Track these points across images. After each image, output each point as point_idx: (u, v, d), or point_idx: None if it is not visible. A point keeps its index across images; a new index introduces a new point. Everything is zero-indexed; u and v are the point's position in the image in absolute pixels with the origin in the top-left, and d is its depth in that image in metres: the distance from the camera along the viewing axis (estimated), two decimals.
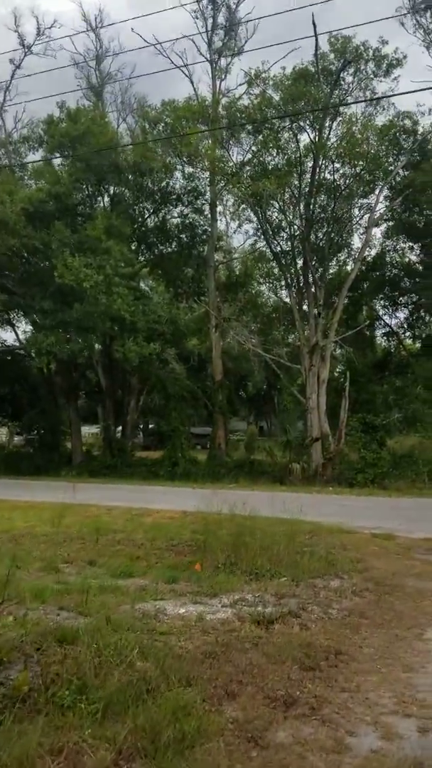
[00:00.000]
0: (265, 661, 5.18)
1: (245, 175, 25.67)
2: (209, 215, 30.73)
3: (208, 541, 10.23)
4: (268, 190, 23.68)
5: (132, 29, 51.04)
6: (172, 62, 29.83)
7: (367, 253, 33.39)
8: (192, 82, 29.55)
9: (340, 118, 25.21)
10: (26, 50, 30.55)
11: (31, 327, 27.71)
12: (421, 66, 54.43)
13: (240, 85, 26.17)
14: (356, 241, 32.28)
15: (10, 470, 30.75)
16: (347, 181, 26.65)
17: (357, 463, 25.00)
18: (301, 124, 25.38)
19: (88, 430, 44.58)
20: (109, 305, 22.02)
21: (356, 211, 30.04)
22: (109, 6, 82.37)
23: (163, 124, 26.66)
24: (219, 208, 31.33)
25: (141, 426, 53.90)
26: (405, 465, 25.31)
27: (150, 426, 55.48)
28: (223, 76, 31.05)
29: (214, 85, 30.68)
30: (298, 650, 5.38)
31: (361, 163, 26.40)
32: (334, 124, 26.15)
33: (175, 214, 30.76)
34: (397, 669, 5.30)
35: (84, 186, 25.96)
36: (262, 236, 29.22)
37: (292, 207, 27.17)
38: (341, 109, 25.73)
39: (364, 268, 33.72)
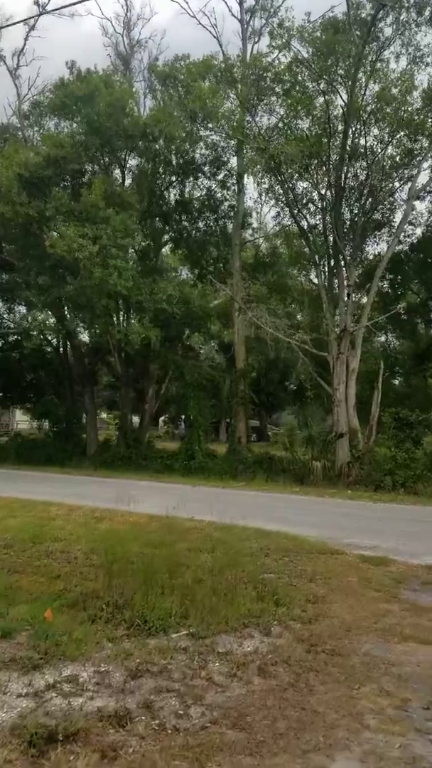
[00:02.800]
0: None
1: (265, 138, 22.96)
2: (236, 189, 28.25)
3: (117, 567, 7.88)
4: (288, 152, 20.95)
5: None
6: (200, 22, 27.26)
7: (411, 231, 30.35)
8: (221, 45, 26.97)
9: (376, 77, 22.12)
10: (41, 9, 28.61)
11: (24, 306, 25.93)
12: None
13: (268, 46, 23.45)
14: (399, 219, 29.15)
15: (21, 459, 29.34)
16: (383, 147, 23.62)
17: (386, 463, 22.18)
18: (331, 83, 22.40)
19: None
20: (104, 279, 19.90)
21: (397, 184, 26.93)
22: None
23: (175, 81, 24.20)
24: (246, 181, 28.80)
25: (182, 416, 52.13)
26: None
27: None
28: (256, 39, 28.46)
29: (244, 48, 28.12)
30: None
31: (400, 130, 23.46)
32: (370, 83, 23.12)
33: (200, 188, 28.42)
34: None
35: (93, 152, 23.77)
36: (287, 208, 26.43)
37: (320, 176, 24.32)
38: (378, 66, 22.71)
39: (407, 248, 30.63)
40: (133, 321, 23.79)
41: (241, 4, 27.83)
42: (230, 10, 28.14)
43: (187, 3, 35.78)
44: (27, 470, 26.21)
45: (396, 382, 34.40)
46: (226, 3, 28.23)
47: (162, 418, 65.69)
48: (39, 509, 14.26)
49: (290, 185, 25.06)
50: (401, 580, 8.82)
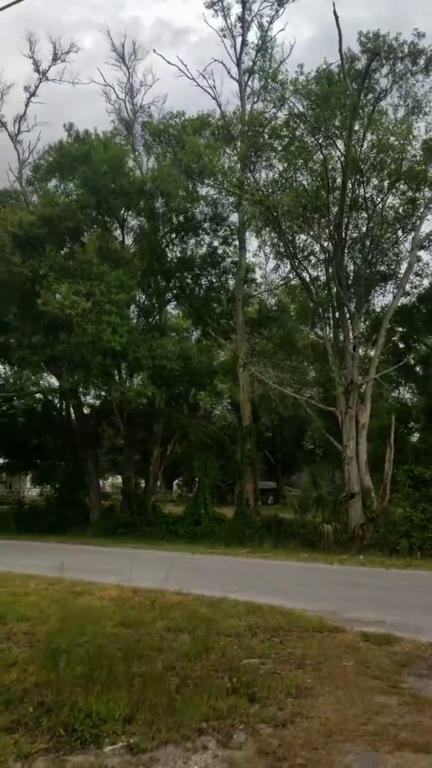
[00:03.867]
0: None
1: (264, 192, 22.66)
2: (237, 244, 27.95)
3: (68, 655, 6.76)
4: (285, 203, 20.54)
5: (154, 50, 49.91)
6: (198, 84, 27.65)
7: (418, 282, 29.68)
8: (219, 105, 27.12)
9: (372, 127, 21.90)
10: (41, 76, 29.23)
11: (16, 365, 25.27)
12: None
13: (263, 100, 23.49)
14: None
15: (22, 528, 28.18)
16: (383, 197, 23.22)
17: (402, 524, 20.70)
18: (328, 135, 22.20)
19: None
20: (97, 335, 19.27)
21: (400, 233, 26.44)
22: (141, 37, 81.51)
23: (168, 137, 24.21)
24: (248, 236, 28.52)
25: (196, 479, 50.78)
26: None
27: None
28: (255, 99, 28.70)
29: (243, 108, 28.32)
30: None
31: (400, 181, 23.15)
32: (368, 134, 22.89)
33: (201, 245, 28.19)
34: None
35: (90, 211, 23.61)
36: (287, 261, 25.96)
37: (320, 228, 23.88)
38: (375, 117, 22.53)
39: (415, 300, 29.90)
40: (132, 379, 22.98)
41: (239, 65, 28.21)
42: (228, 72, 28.24)
43: (185, 66, 36.55)
44: (25, 540, 25.03)
45: (414, 438, 33.11)
46: (224, 65, 28.19)
47: (176, 482, 64.37)
48: (16, 583, 13.10)
49: (289, 237, 24.62)
50: (406, 662, 7.53)
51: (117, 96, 32.38)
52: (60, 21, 73.10)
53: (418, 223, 25.14)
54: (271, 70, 22.91)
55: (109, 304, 19.86)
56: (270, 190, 23.70)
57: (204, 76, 28.41)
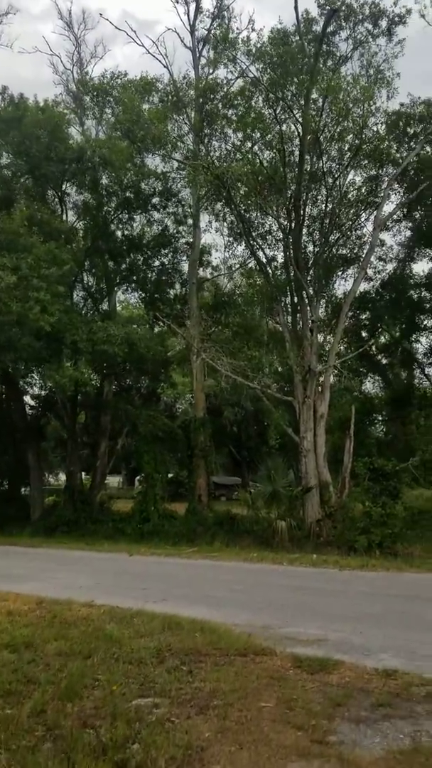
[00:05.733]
0: None
1: (214, 162, 20.92)
2: (191, 223, 26.16)
3: None
4: (235, 172, 18.82)
5: (101, 14, 47.37)
6: (148, 51, 25.65)
7: (381, 267, 28.27)
8: (171, 74, 25.23)
9: (330, 91, 20.18)
10: None
11: None
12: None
13: (212, 61, 21.72)
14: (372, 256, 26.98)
15: None
16: (342, 170, 21.68)
17: (360, 520, 19.18)
18: (284, 100, 20.50)
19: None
20: (23, 313, 17.31)
21: (363, 215, 24.98)
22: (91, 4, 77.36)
23: (106, 98, 22.26)
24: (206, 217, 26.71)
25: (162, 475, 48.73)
26: (424, 524, 19.41)
27: (169, 474, 50.38)
28: (211, 70, 26.87)
29: (197, 78, 26.45)
30: None
31: (360, 155, 21.66)
32: (326, 105, 21.24)
33: (151, 223, 26.31)
34: None
35: (21, 178, 21.51)
36: (242, 240, 24.28)
37: (277, 204, 22.21)
38: (334, 84, 20.90)
39: (378, 285, 28.49)
40: (77, 365, 21.04)
41: (192, 33, 26.37)
42: (182, 41, 26.37)
43: (134, 32, 34.49)
44: None
45: (377, 430, 31.82)
46: (178, 34, 26.33)
47: (138, 477, 61.99)
48: None
49: (245, 215, 22.93)
50: (342, 700, 5.88)
51: (65, 67, 30.27)
52: None
53: (380, 203, 23.71)
54: (221, 31, 21.04)
55: (37, 279, 17.90)
56: (223, 163, 21.98)
57: (155, 44, 26.53)
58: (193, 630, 8.22)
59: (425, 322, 28.64)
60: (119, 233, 26.29)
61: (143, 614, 9.17)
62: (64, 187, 23.93)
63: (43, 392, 28.86)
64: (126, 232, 26.30)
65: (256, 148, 22.64)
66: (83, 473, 30.50)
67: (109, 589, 11.74)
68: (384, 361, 30.39)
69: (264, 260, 24.28)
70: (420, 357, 29.24)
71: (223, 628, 8.35)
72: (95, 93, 22.78)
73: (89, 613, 9.36)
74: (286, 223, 22.74)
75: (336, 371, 26.16)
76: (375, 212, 23.62)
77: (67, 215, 25.10)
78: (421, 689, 6.14)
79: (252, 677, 6.49)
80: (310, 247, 24.45)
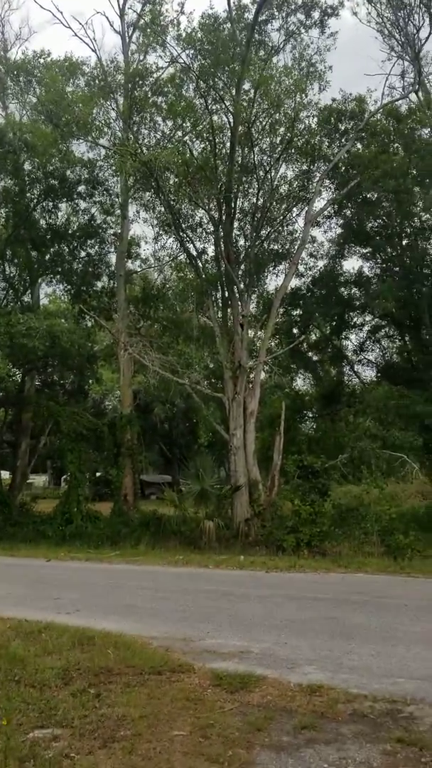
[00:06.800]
0: None
1: (142, 150, 20.17)
2: (119, 213, 25.26)
3: None
4: (162, 159, 18.13)
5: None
6: (76, 34, 24.55)
7: (313, 263, 28.20)
8: (99, 58, 24.27)
9: (261, 81, 19.73)
10: None
11: None
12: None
13: (140, 44, 20.99)
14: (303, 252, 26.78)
15: None
16: (273, 163, 21.35)
17: (289, 519, 18.87)
18: (214, 88, 19.93)
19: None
20: None
21: (295, 211, 24.79)
22: None
23: (28, 78, 21.13)
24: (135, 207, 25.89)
25: (87, 474, 47.36)
26: (352, 521, 19.26)
27: (97, 473, 49.08)
28: (142, 57, 25.98)
29: (127, 63, 25.55)
30: None
31: (291, 148, 21.40)
32: (258, 97, 20.77)
33: (77, 212, 25.24)
34: None
35: None
36: (168, 229, 23.64)
37: (207, 195, 21.65)
38: (265, 74, 20.49)
39: (309, 282, 28.41)
40: None
41: (121, 17, 25.43)
42: (111, 25, 25.62)
43: (61, 13, 33.14)
44: None
45: (312, 426, 31.75)
46: (107, 17, 25.49)
47: (64, 477, 60.29)
48: None
49: (174, 205, 22.27)
50: (263, 723, 5.34)
51: None
52: None
53: (311, 198, 23.54)
54: (151, 14, 20.27)
55: None
56: (153, 151, 21.23)
57: (84, 27, 25.47)
58: (105, 645, 7.53)
59: (355, 320, 28.77)
60: (43, 222, 25.12)
61: (53, 628, 8.41)
62: None
63: None
64: (50, 221, 25.15)
65: (186, 137, 22.09)
66: (5, 473, 29.10)
67: (20, 600, 10.87)
68: (314, 358, 30.38)
69: (194, 253, 23.73)
70: (350, 354, 29.38)
71: (139, 642, 7.70)
72: (16, 72, 21.55)
73: None
74: (216, 215, 22.23)
75: (266, 367, 25.93)
76: (306, 208, 23.47)
77: None
78: (347, 707, 5.67)
79: (166, 699, 5.88)
80: (242, 241, 24.14)
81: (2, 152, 20.70)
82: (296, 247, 24.71)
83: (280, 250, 26.12)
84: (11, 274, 25.92)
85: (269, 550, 18.20)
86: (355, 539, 18.19)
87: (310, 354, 29.78)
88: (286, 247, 26.14)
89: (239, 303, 22.35)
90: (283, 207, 23.89)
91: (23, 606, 10.18)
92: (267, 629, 8.47)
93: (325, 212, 25.49)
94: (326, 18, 20.05)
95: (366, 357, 28.79)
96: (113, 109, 22.76)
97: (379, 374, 28.14)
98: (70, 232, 25.45)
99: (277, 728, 5.25)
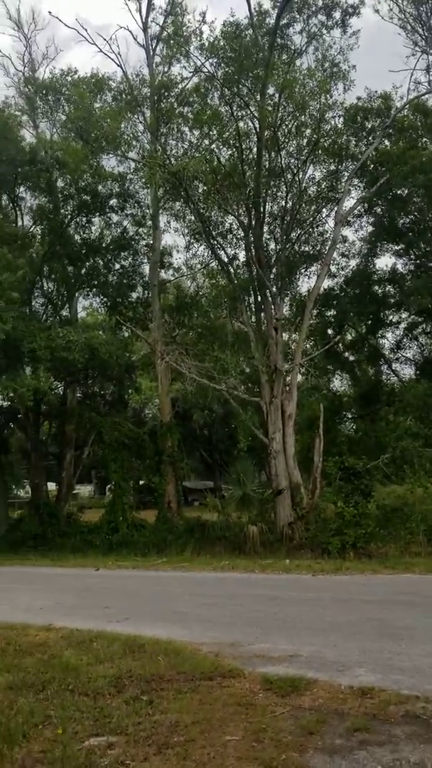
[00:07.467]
0: None
1: (170, 160, 20.44)
2: (150, 225, 25.59)
3: None
4: (192, 168, 18.33)
5: (50, 12, 46.25)
6: (101, 50, 24.91)
7: (345, 263, 28.07)
8: (125, 72, 24.63)
9: (285, 84, 19.75)
10: None
11: None
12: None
13: (165, 56, 21.27)
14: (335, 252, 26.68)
15: None
16: (300, 166, 21.37)
17: (332, 521, 18.78)
18: (239, 95, 20.07)
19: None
20: None
21: (324, 212, 24.76)
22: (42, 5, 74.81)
23: (58, 96, 21.60)
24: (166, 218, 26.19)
25: (131, 483, 47.91)
26: (397, 522, 19.06)
27: (141, 482, 49.61)
28: (166, 68, 26.30)
29: (152, 75, 25.90)
30: None
31: (318, 150, 21.38)
32: (282, 100, 20.83)
33: (110, 226, 25.68)
34: None
35: None
36: (200, 237, 23.84)
37: (237, 202, 21.79)
38: (289, 77, 20.53)
39: (342, 282, 28.28)
40: (37, 374, 20.29)
41: (145, 30, 25.77)
42: (135, 39, 25.88)
43: (85, 30, 33.69)
44: None
45: (352, 427, 31.56)
46: (131, 32, 25.74)
47: (108, 486, 60.97)
48: None
49: (204, 213, 22.46)
50: (315, 726, 5.36)
51: (15, 68, 29.43)
52: None
53: (341, 197, 23.47)
54: (174, 26, 20.54)
55: None
56: (180, 161, 21.48)
57: (108, 42, 25.86)
58: (156, 652, 7.65)
59: (390, 318, 28.51)
60: (77, 237, 25.65)
61: (104, 637, 8.58)
62: (18, 191, 23.18)
63: (4, 403, 28.05)
64: (84, 236, 25.67)
65: (213, 145, 22.27)
66: (52, 484, 29.69)
67: (70, 610, 11.11)
68: (351, 358, 30.21)
69: (225, 259, 23.90)
70: (386, 353, 29.11)
71: (188, 649, 7.80)
72: (45, 91, 22.08)
73: (46, 638, 8.74)
74: (246, 220, 22.35)
75: (303, 370, 25.87)
76: (336, 208, 23.39)
77: (22, 220, 24.41)
78: (399, 708, 5.66)
79: (218, 705, 5.95)
80: (272, 245, 24.20)
81: (35, 170, 21.22)
82: (327, 247, 24.66)
83: (312, 252, 26.10)
84: (49, 290, 26.51)
85: (314, 554, 18.12)
86: (401, 540, 18.00)
87: (346, 354, 29.62)
88: (317, 248, 26.13)
89: (272, 306, 22.40)
90: (313, 208, 23.89)
91: (74, 615, 10.40)
92: (315, 632, 8.50)
93: (355, 211, 25.40)
94: (347, 17, 20.03)
95: (404, 355, 28.51)
96: (140, 122, 23.14)
97: (418, 371, 27.81)
98: (104, 245, 25.90)
99: (330, 731, 5.27)
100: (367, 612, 9.64)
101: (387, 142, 24.03)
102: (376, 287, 27.96)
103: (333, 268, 27.12)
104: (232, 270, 23.93)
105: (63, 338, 19.69)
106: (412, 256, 27.16)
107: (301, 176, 22.08)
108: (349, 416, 29.56)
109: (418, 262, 26.82)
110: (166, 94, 22.63)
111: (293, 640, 8.12)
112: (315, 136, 21.14)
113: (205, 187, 21.17)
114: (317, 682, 6.45)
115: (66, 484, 26.85)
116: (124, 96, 22.14)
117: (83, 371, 21.55)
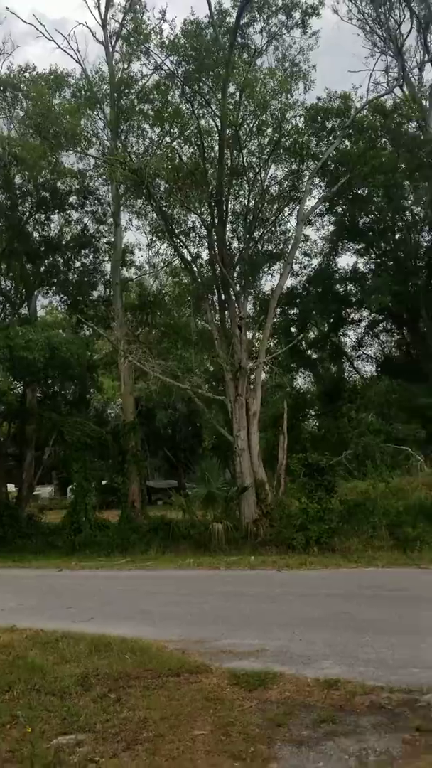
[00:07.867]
0: None
1: (131, 157, 20.30)
2: (111, 222, 25.37)
3: None
4: (152, 166, 18.24)
5: (7, 8, 45.46)
6: (59, 45, 24.65)
7: (307, 262, 28.31)
8: (84, 69, 24.37)
9: (246, 83, 19.80)
10: None
11: None
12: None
13: (124, 54, 21.13)
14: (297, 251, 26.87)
15: None
16: (262, 165, 21.46)
17: (297, 517, 18.91)
18: (200, 93, 20.05)
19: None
20: None
21: (286, 210, 24.87)
22: None
23: (16, 93, 21.27)
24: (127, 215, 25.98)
25: (93, 483, 47.40)
26: (360, 517, 19.29)
27: (103, 482, 49.12)
28: (126, 65, 26.07)
29: (111, 72, 25.66)
30: None
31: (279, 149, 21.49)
32: (243, 99, 20.86)
33: (69, 223, 25.37)
34: None
35: None
36: (161, 235, 23.76)
37: (200, 201, 21.77)
38: (250, 76, 20.58)
39: (305, 281, 28.52)
40: None
41: (104, 26, 25.54)
42: (94, 35, 25.55)
43: (43, 26, 33.26)
44: None
45: (315, 424, 31.88)
46: (89, 28, 25.62)
47: (70, 487, 60.30)
48: None
49: (163, 206, 22.37)
50: (283, 719, 5.40)
51: None
52: None
53: (302, 197, 23.65)
54: (133, 23, 20.41)
55: None
56: (142, 158, 21.36)
57: (67, 39, 25.53)
58: (122, 651, 7.61)
59: (352, 316, 28.88)
60: (36, 234, 25.27)
61: (70, 636, 8.49)
62: None
63: None
64: (43, 233, 25.31)
65: (175, 143, 22.21)
66: (11, 486, 29.18)
67: (33, 611, 10.95)
68: (314, 356, 30.50)
69: (188, 258, 23.79)
70: (348, 350, 29.49)
71: (155, 646, 7.78)
72: (2, 87, 21.68)
73: (10, 640, 8.58)
74: (209, 219, 22.32)
75: (267, 368, 25.99)
76: (298, 207, 23.52)
77: None
78: (364, 699, 5.74)
79: (185, 700, 5.95)
80: (235, 244, 24.15)
81: None
82: (290, 246, 24.81)
83: (274, 251, 26.19)
84: (7, 288, 26.09)
85: (279, 549, 18.22)
86: (364, 534, 18.19)
87: (309, 352, 29.90)
88: (280, 247, 26.20)
89: (236, 305, 22.44)
90: (275, 207, 23.95)
91: (38, 616, 10.26)
92: (281, 627, 8.54)
93: (317, 210, 25.61)
94: (307, 18, 20.12)
95: (365, 352, 28.96)
96: (101, 119, 22.94)
97: (379, 369, 28.26)
98: (63, 243, 25.59)
99: (297, 723, 5.31)
100: (332, 606, 9.73)
101: (347, 142, 24.27)
102: (338, 286, 28.27)
103: (296, 267, 27.34)
104: (195, 268, 23.87)
105: (22, 337, 19.37)
106: (372, 255, 27.56)
107: (263, 175, 22.15)
108: (313, 413, 29.86)
109: (378, 261, 27.24)
110: (126, 91, 22.46)
111: (259, 635, 8.15)
112: (276, 135, 21.22)
113: (167, 185, 21.09)
114: (284, 675, 6.49)
115: (26, 485, 26.44)
116: (83, 93, 21.89)
117: (43, 371, 21.21)
